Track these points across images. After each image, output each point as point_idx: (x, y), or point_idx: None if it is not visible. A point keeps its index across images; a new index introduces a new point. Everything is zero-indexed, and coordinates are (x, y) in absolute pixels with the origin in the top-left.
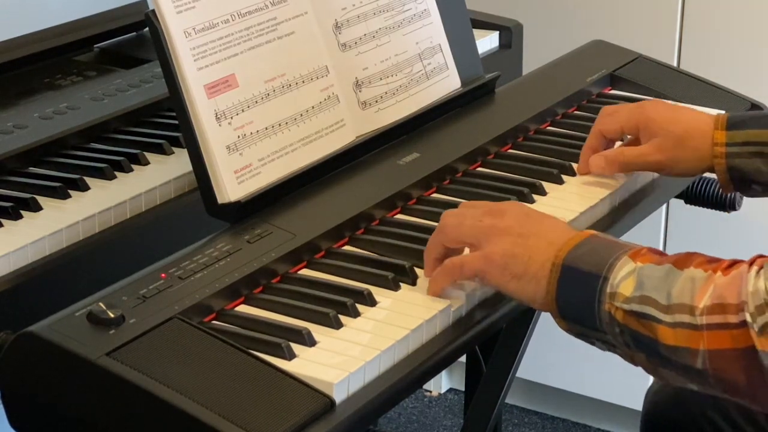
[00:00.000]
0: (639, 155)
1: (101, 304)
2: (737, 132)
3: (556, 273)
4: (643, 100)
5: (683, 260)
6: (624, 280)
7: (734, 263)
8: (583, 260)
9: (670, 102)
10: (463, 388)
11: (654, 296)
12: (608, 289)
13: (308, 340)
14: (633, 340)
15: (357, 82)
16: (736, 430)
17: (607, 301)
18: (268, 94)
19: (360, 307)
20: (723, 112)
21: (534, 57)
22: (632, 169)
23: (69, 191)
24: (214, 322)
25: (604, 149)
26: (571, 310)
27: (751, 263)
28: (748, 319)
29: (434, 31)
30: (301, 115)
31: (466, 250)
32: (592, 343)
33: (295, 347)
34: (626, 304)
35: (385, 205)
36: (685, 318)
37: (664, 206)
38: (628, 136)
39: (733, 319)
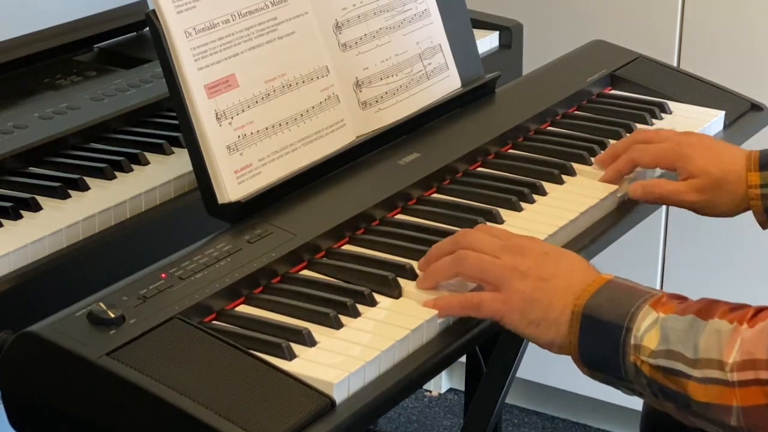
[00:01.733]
0: (677, 192)
1: (101, 304)
2: None
3: (576, 322)
4: (684, 133)
5: (706, 309)
6: (648, 332)
7: (759, 311)
8: (603, 309)
9: (707, 137)
10: (463, 388)
11: (680, 350)
12: (632, 341)
13: (308, 340)
14: (661, 392)
15: (357, 82)
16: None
17: (632, 353)
18: (269, 94)
19: (360, 308)
20: (723, 112)
21: (534, 57)
22: (668, 203)
23: (69, 191)
24: (214, 322)
25: (629, 173)
26: (594, 360)
27: None
28: None
29: (434, 31)
30: (302, 115)
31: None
32: (618, 389)
33: (295, 347)
34: (652, 358)
35: (385, 205)
36: (715, 374)
37: (664, 206)
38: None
39: (764, 375)
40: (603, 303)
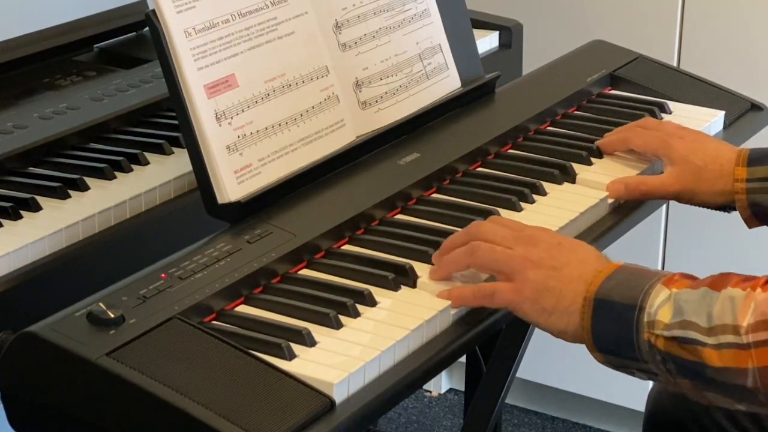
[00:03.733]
0: (659, 185)
1: (101, 304)
2: (758, 168)
3: (589, 307)
4: (681, 127)
5: (719, 281)
6: (661, 308)
7: None
8: (615, 292)
9: (699, 132)
10: (463, 388)
11: (695, 320)
12: (645, 318)
13: (308, 340)
14: (676, 366)
15: (357, 82)
16: (739, 430)
17: (646, 330)
18: (268, 94)
19: (360, 308)
20: (723, 112)
21: (534, 57)
22: (651, 197)
23: (69, 191)
24: (214, 322)
25: (620, 151)
26: (608, 343)
27: None
28: None
29: (434, 31)
30: (301, 115)
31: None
32: (632, 374)
33: (295, 347)
34: (667, 330)
35: (385, 205)
36: (730, 338)
37: (664, 206)
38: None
39: None
40: (615, 286)
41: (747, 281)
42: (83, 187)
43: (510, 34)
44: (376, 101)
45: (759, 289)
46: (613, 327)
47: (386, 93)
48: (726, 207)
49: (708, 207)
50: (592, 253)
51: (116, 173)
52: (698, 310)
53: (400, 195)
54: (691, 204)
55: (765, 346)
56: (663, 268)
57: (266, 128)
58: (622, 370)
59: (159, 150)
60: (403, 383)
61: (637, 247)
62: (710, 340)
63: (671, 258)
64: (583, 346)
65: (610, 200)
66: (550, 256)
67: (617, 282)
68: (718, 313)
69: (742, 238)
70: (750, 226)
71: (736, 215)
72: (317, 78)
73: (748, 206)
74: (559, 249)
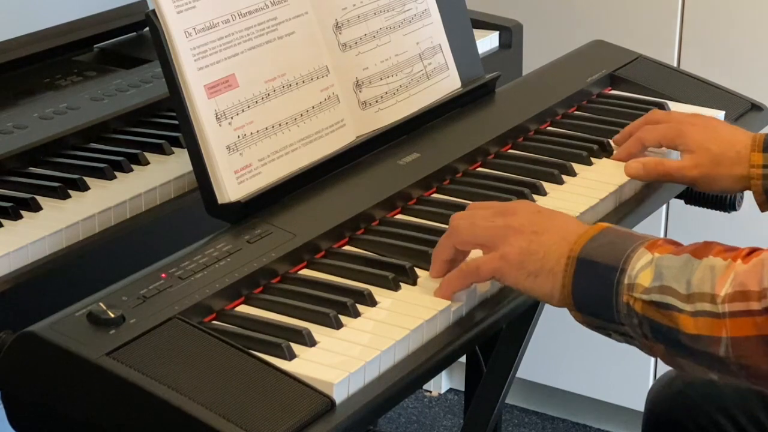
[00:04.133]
0: (676, 169)
1: (101, 304)
2: None
3: (571, 267)
4: (692, 114)
5: (701, 249)
6: (642, 271)
7: (753, 251)
8: (598, 253)
9: (712, 118)
10: (463, 388)
11: (674, 286)
12: (626, 281)
13: (308, 340)
14: (652, 330)
15: (357, 82)
16: (739, 430)
17: (625, 293)
18: (268, 94)
19: (360, 307)
20: (723, 112)
21: (534, 57)
22: (668, 180)
23: (69, 191)
24: (214, 322)
25: (640, 153)
26: (587, 303)
27: None
28: None
29: (434, 31)
30: (301, 115)
31: (475, 253)
32: (609, 335)
33: (295, 347)
34: (645, 294)
35: (385, 205)
36: (707, 306)
37: (664, 206)
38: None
39: (755, 306)
40: (598, 247)
41: (729, 251)
42: (83, 187)
43: (510, 34)
44: (377, 101)
45: (740, 261)
46: (593, 287)
47: (386, 93)
48: (728, 206)
49: (726, 193)
50: (571, 218)
51: (116, 173)
52: (678, 276)
53: (400, 195)
54: (709, 191)
55: (739, 317)
56: None
57: (266, 128)
58: (600, 331)
59: (159, 150)
60: (403, 383)
61: None
62: (687, 307)
63: None
64: (583, 348)
65: (628, 175)
66: (531, 222)
67: (600, 243)
68: (698, 281)
69: (742, 239)
70: (763, 210)
71: (735, 216)
72: (317, 78)
73: (764, 192)
74: (539, 215)
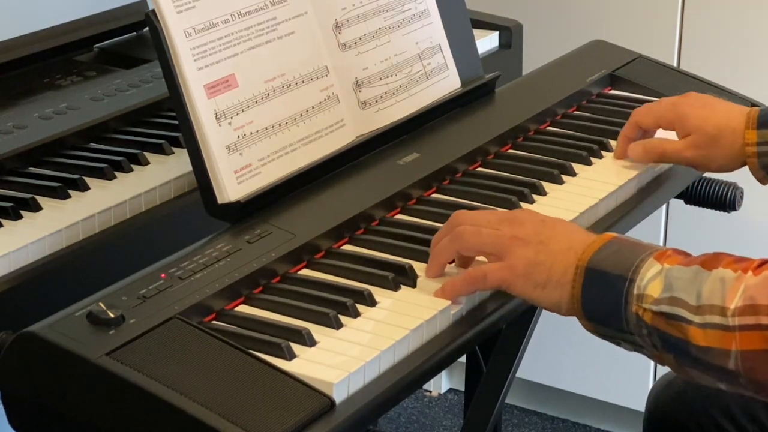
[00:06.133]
0: (675, 150)
1: (101, 304)
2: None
3: (580, 277)
4: (685, 94)
5: (711, 261)
6: (651, 282)
7: (764, 263)
8: (607, 263)
9: (706, 96)
10: (463, 388)
11: (683, 297)
12: (635, 291)
13: (308, 340)
14: (661, 341)
15: (357, 82)
16: (739, 430)
17: (635, 303)
18: (268, 94)
19: (360, 307)
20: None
21: (534, 57)
22: (668, 161)
23: (69, 191)
24: (214, 322)
25: (639, 138)
26: (597, 313)
27: None
28: None
29: (434, 31)
30: (301, 115)
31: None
32: (618, 344)
33: (295, 347)
34: (655, 305)
35: (385, 205)
36: (716, 319)
37: (664, 206)
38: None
39: (765, 320)
40: (607, 257)
41: (740, 262)
42: (83, 187)
43: (510, 34)
44: (376, 101)
45: (750, 273)
46: (602, 296)
47: (386, 93)
48: (728, 206)
49: (725, 171)
50: (574, 226)
51: (116, 173)
52: (688, 287)
53: (400, 195)
54: (708, 170)
55: (749, 331)
56: None
57: (266, 128)
58: (609, 340)
59: (159, 150)
60: (403, 383)
61: None
62: (697, 319)
63: None
64: (583, 348)
65: (629, 158)
66: (536, 232)
67: (609, 253)
68: (708, 292)
69: (742, 239)
70: (765, 184)
71: (735, 216)
72: (317, 78)
73: (760, 168)
74: (544, 225)
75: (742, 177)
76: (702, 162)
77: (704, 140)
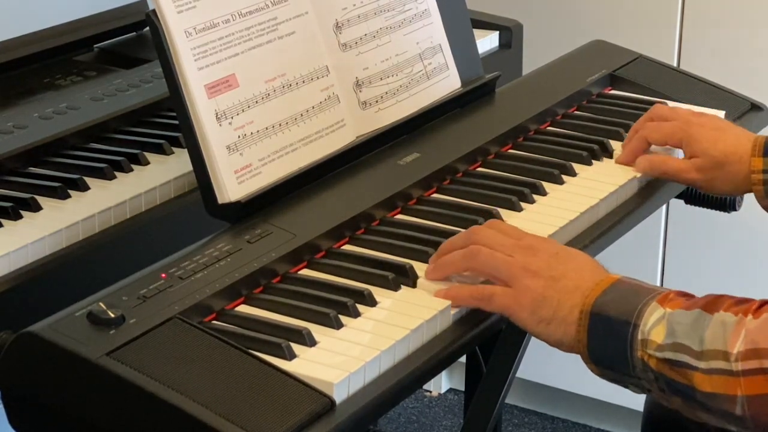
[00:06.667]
0: (679, 170)
1: (101, 304)
2: None
3: (585, 321)
4: (698, 113)
5: (712, 304)
6: (654, 327)
7: (763, 304)
8: (611, 307)
9: (721, 120)
10: (463, 388)
11: (686, 343)
12: (639, 336)
13: (308, 340)
14: (668, 386)
15: (357, 82)
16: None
17: (640, 348)
18: (269, 94)
19: (360, 307)
20: (723, 112)
21: (534, 57)
22: (671, 179)
23: (69, 191)
24: (214, 322)
25: (644, 151)
26: (603, 357)
27: None
28: None
29: (434, 31)
30: (302, 115)
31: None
32: (626, 387)
33: (295, 347)
34: (659, 351)
35: (385, 205)
36: (721, 364)
37: (664, 206)
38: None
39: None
40: (611, 301)
41: (740, 304)
42: (83, 187)
43: (510, 34)
44: (377, 101)
45: (750, 316)
46: (608, 342)
47: (386, 93)
48: (728, 206)
49: (727, 195)
50: (588, 263)
51: (116, 173)
52: (690, 333)
53: (400, 195)
54: (708, 192)
55: (754, 375)
56: (663, 269)
57: (266, 128)
58: (617, 383)
59: (159, 150)
60: (403, 383)
61: (637, 247)
62: (701, 365)
63: (671, 258)
64: None
65: (638, 174)
66: (549, 266)
67: (613, 297)
68: (710, 337)
69: (742, 239)
70: None
71: (735, 216)
72: (317, 78)
73: (766, 196)
74: (557, 259)
75: None
76: (705, 185)
77: (710, 164)
